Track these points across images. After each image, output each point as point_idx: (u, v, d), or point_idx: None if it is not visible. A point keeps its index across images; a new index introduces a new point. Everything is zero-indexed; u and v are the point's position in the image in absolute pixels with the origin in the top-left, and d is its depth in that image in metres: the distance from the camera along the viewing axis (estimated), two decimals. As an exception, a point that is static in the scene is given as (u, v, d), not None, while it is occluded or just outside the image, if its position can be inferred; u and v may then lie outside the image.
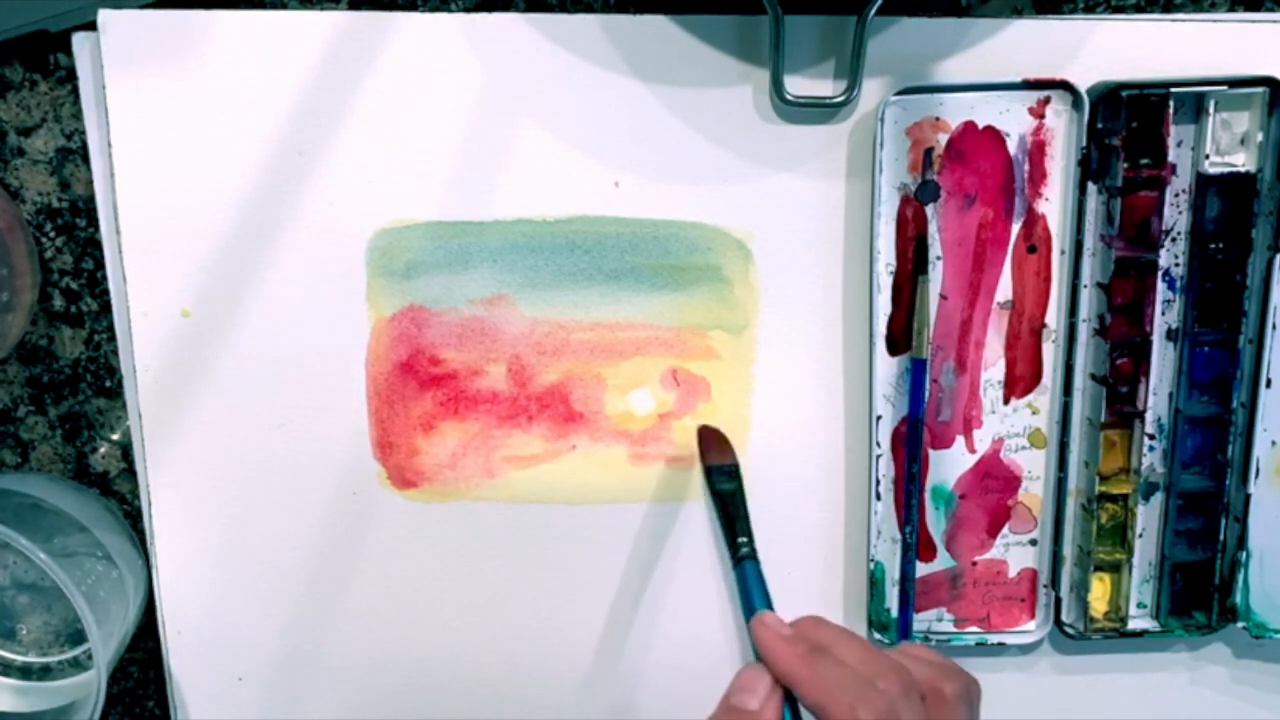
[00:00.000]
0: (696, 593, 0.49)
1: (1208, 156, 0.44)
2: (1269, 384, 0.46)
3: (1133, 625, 0.48)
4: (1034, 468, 0.48)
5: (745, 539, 0.42)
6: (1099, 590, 0.48)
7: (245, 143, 0.44)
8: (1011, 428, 0.47)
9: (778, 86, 0.43)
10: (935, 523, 0.48)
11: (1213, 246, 0.45)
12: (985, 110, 0.44)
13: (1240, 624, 0.48)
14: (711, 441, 0.46)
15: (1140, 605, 0.49)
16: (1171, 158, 0.44)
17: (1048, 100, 0.44)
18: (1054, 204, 0.45)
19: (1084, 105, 0.43)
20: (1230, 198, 0.45)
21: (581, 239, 0.46)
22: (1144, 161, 0.44)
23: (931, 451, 0.47)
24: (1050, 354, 0.47)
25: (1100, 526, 0.47)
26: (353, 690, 0.50)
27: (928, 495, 0.48)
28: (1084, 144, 0.44)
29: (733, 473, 0.45)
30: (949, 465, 0.48)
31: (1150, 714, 0.51)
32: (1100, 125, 0.44)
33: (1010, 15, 0.45)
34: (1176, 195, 0.45)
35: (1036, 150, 0.45)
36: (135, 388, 0.47)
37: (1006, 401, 0.47)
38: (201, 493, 0.48)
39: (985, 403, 0.47)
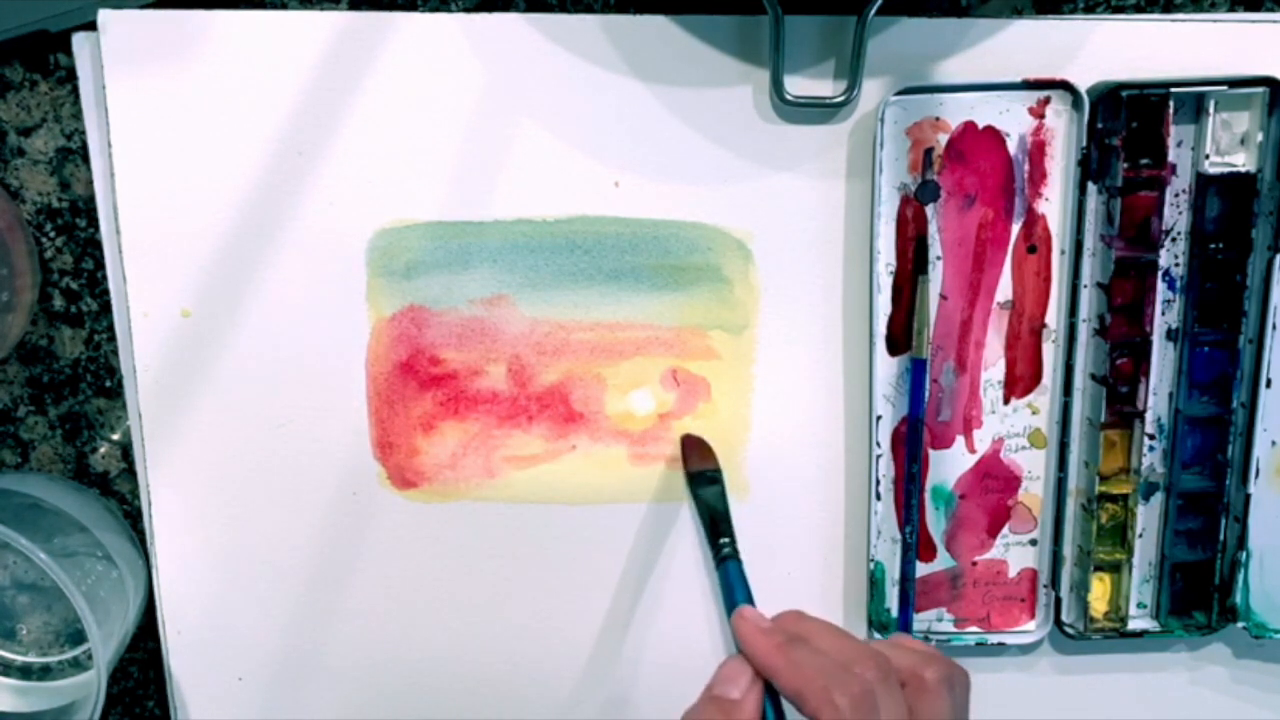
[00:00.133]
0: (696, 592, 0.49)
1: (1208, 156, 0.44)
2: (1269, 384, 0.46)
3: (1133, 625, 0.48)
4: (1034, 468, 0.48)
5: (727, 539, 0.42)
6: (1099, 590, 0.48)
7: (245, 143, 0.44)
8: (1011, 428, 0.47)
9: (778, 86, 0.43)
10: (935, 523, 0.48)
11: (1213, 246, 0.45)
12: (985, 110, 0.44)
13: (1240, 624, 0.48)
14: (693, 447, 0.47)
15: (1140, 605, 0.49)
16: (1171, 158, 0.44)
17: (1048, 100, 0.44)
18: (1054, 204, 0.45)
19: (1084, 105, 0.43)
20: (1230, 198, 0.45)
21: (581, 239, 0.46)
22: (1144, 161, 0.44)
23: (931, 451, 0.47)
24: (1050, 354, 0.47)
25: (1100, 526, 0.47)
26: (353, 690, 0.50)
27: (928, 495, 0.48)
28: (1084, 144, 0.44)
29: (714, 476, 0.45)
30: (949, 465, 0.48)
31: (1150, 714, 0.51)
32: (1100, 125, 0.44)
33: (1010, 15, 0.45)
34: (1176, 195, 0.45)
35: (1036, 150, 0.45)
36: (135, 388, 0.47)
37: (1006, 401, 0.47)
38: (201, 493, 0.48)
39: (985, 403, 0.47)
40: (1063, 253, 0.45)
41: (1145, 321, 0.45)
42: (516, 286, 0.46)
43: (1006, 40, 0.44)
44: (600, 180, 0.45)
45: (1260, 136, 0.44)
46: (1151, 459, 0.47)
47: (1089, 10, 0.45)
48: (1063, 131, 0.44)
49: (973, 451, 0.47)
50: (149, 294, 0.46)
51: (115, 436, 0.49)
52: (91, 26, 0.44)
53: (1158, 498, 0.48)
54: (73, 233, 0.47)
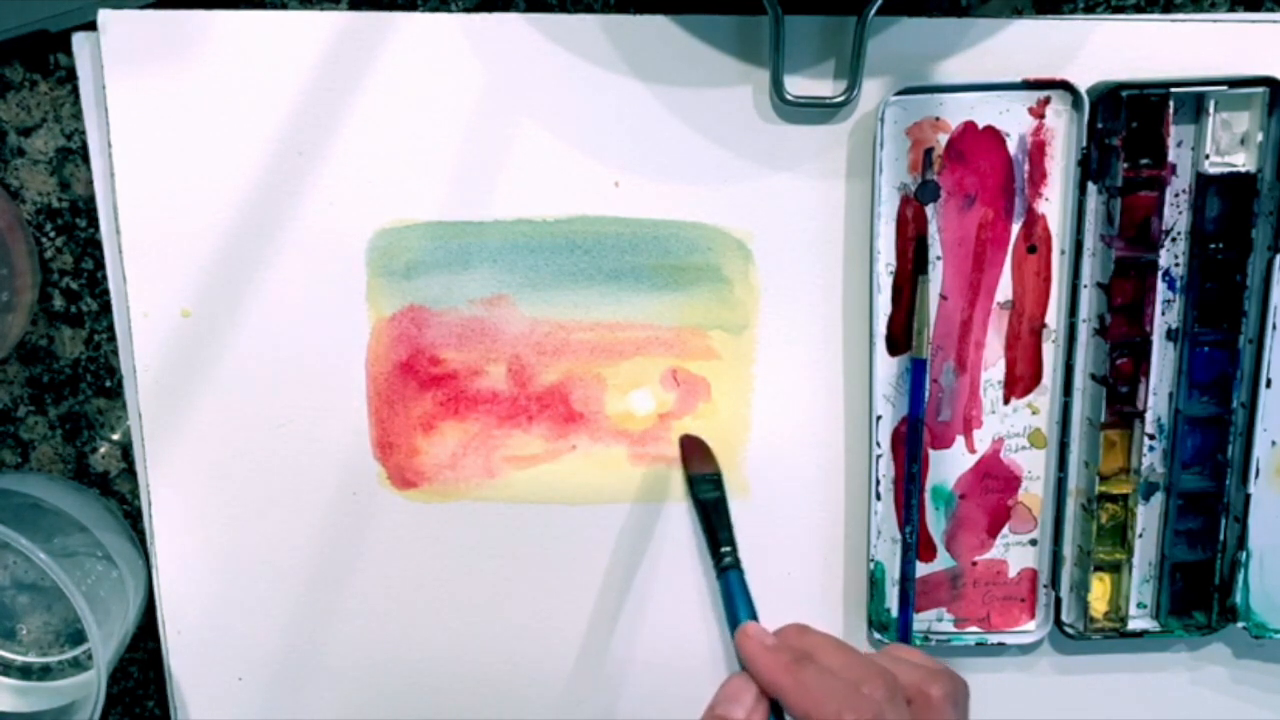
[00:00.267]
0: (695, 592, 0.49)
1: (1208, 156, 0.44)
2: (1269, 384, 0.46)
3: (1133, 625, 0.48)
4: (1034, 468, 0.48)
5: (728, 548, 0.42)
6: (1099, 590, 0.48)
7: (245, 143, 0.44)
8: (1011, 428, 0.47)
9: (778, 86, 0.43)
10: (935, 523, 0.48)
11: (1213, 246, 0.45)
12: (985, 110, 0.44)
13: (1240, 624, 0.48)
14: (693, 450, 0.46)
15: (1140, 605, 0.49)
16: (1171, 158, 0.44)
17: (1048, 100, 0.44)
18: (1054, 204, 0.45)
19: (1084, 105, 0.43)
20: (1230, 198, 0.45)
21: (581, 239, 0.46)
22: (1144, 161, 0.44)
23: (931, 451, 0.47)
24: (1050, 354, 0.47)
25: (1100, 526, 0.47)
26: (353, 690, 0.50)
27: (928, 495, 0.48)
28: (1084, 144, 0.44)
29: (716, 481, 0.45)
30: (949, 465, 0.48)
31: (1150, 714, 0.51)
32: (1100, 125, 0.44)
33: (1010, 15, 0.45)
34: (1176, 195, 0.45)
35: (1036, 150, 0.45)
36: (135, 388, 0.47)
37: (1006, 401, 0.47)
38: (201, 493, 0.48)
39: (985, 403, 0.47)
40: (1063, 253, 0.45)
41: (1145, 321, 0.45)
42: (516, 286, 0.46)
43: (1006, 40, 0.44)
44: (600, 180, 0.45)
45: (1260, 136, 0.44)
46: (1151, 459, 0.47)
47: (1089, 10, 0.45)
48: (1063, 131, 0.44)
49: (973, 451, 0.47)
50: (149, 294, 0.46)
51: (115, 436, 0.49)
52: (91, 26, 0.44)
53: (1158, 498, 0.48)
54: (73, 233, 0.47)
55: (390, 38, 0.44)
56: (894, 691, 0.35)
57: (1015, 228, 0.45)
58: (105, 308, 0.47)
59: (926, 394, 0.46)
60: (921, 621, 0.49)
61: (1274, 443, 0.47)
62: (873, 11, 0.42)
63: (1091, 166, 0.44)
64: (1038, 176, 0.45)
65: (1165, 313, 0.46)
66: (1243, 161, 0.44)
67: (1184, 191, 0.45)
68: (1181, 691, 0.50)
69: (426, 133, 0.45)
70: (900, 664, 0.37)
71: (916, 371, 0.46)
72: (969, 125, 0.44)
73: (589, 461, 0.48)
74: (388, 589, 0.49)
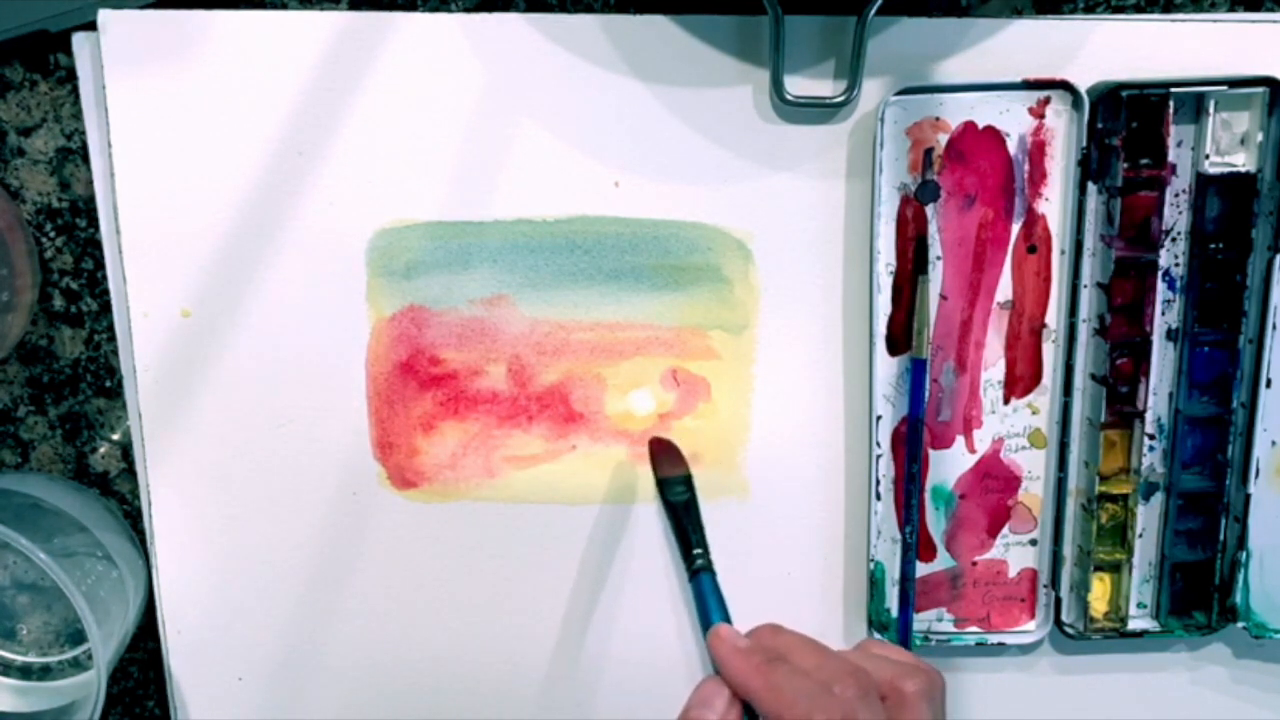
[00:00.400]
0: (696, 593, 0.49)
1: (1208, 156, 0.44)
2: (1269, 384, 0.46)
3: (1133, 625, 0.48)
4: (1034, 468, 0.48)
5: (700, 550, 0.41)
6: (1099, 590, 0.48)
7: (245, 143, 0.44)
8: (1011, 428, 0.47)
9: (778, 86, 0.43)
10: (935, 523, 0.48)
11: (1213, 246, 0.45)
12: (985, 110, 0.44)
13: (1240, 624, 0.48)
14: (662, 452, 0.46)
15: (1140, 605, 0.49)
16: (1171, 158, 0.44)
17: (1048, 100, 0.44)
18: (1054, 204, 0.45)
19: (1084, 105, 0.43)
20: (1230, 198, 0.45)
21: (581, 239, 0.46)
22: (1144, 161, 0.44)
23: (931, 451, 0.47)
24: (1050, 354, 0.47)
25: (1100, 526, 0.47)
26: (353, 690, 0.50)
27: (928, 495, 0.48)
28: (1084, 144, 0.44)
29: (686, 483, 0.44)
30: (949, 465, 0.48)
31: (1150, 714, 0.51)
32: (1100, 125, 0.44)
33: (1010, 15, 0.45)
34: (1176, 195, 0.45)
35: (1036, 150, 0.45)
36: (135, 388, 0.47)
37: (1006, 401, 0.47)
38: (201, 493, 0.48)
39: (985, 403, 0.47)
40: (1063, 253, 0.45)
41: (1145, 321, 0.45)
42: (516, 286, 0.46)
43: (1006, 40, 0.44)
44: (600, 180, 0.45)
45: (1260, 136, 0.44)
46: (1151, 459, 0.47)
47: (1089, 10, 0.45)
48: (1063, 131, 0.44)
49: (973, 451, 0.47)
50: (149, 294, 0.46)
51: (115, 436, 0.49)
52: (91, 26, 0.44)
53: (1158, 498, 0.48)
54: (73, 233, 0.47)
55: (390, 38, 0.44)
56: (866, 690, 0.35)
57: (1015, 228, 0.45)
58: (105, 308, 0.47)
59: (926, 394, 0.46)
60: (921, 621, 0.49)
61: (1274, 443, 0.47)
62: (873, 11, 0.42)
63: (1091, 166, 0.44)
64: (1038, 176, 0.45)
65: (1165, 313, 0.46)
66: (1243, 161, 0.44)
67: (1184, 191, 0.45)
68: (1181, 691, 0.50)
69: (426, 133, 0.45)
70: (875, 660, 0.37)
71: (916, 371, 0.46)
72: (969, 125, 0.44)
73: (589, 461, 0.48)
74: (388, 589, 0.49)
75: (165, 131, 0.44)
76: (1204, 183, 0.44)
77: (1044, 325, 0.46)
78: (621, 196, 0.45)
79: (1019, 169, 0.45)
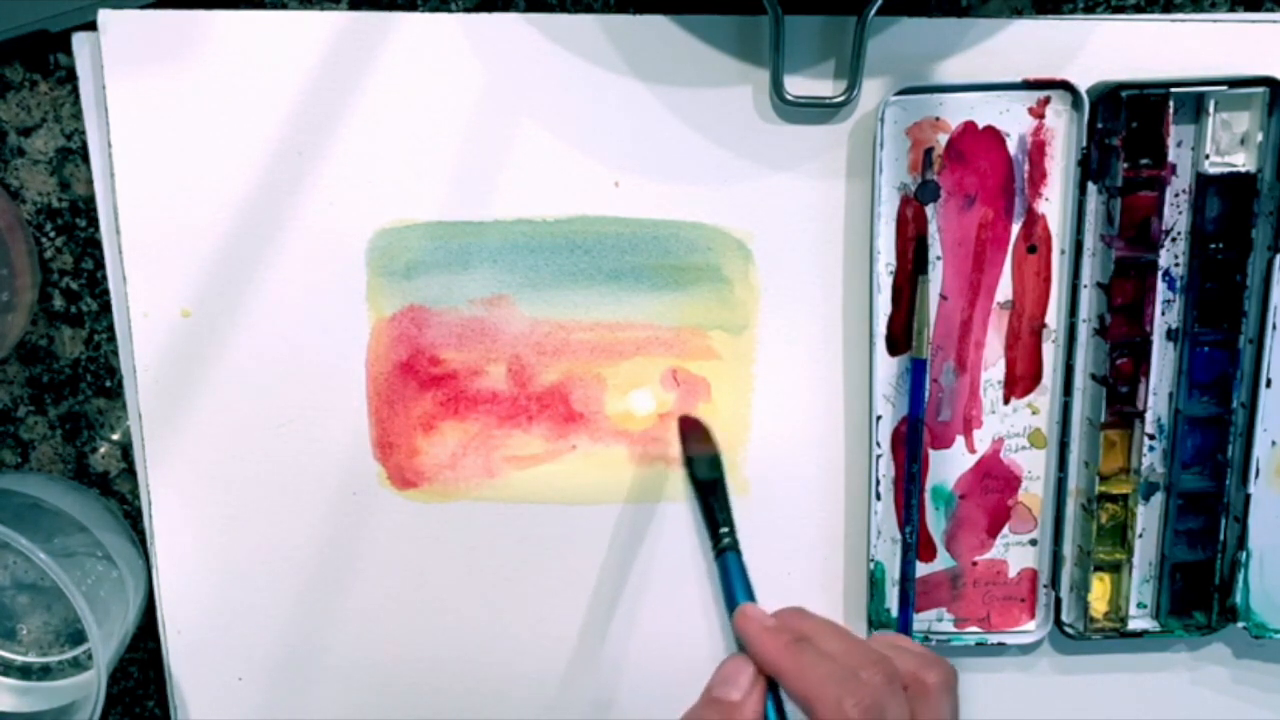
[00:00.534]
0: (697, 591, 0.49)
1: (1208, 156, 0.44)
2: (1269, 384, 0.46)
3: (1133, 625, 0.48)
4: (1034, 468, 0.48)
5: (727, 529, 0.41)
6: (1099, 590, 0.48)
7: (245, 143, 0.44)
8: (1011, 428, 0.47)
9: (778, 86, 0.43)
10: (935, 523, 0.48)
11: (1213, 246, 0.45)
12: (985, 110, 0.44)
13: (1240, 624, 0.48)
14: (692, 430, 0.46)
15: (1140, 605, 0.49)
16: (1171, 158, 0.44)
17: (1048, 100, 0.44)
18: (1054, 204, 0.45)
19: (1084, 105, 0.43)
20: (1230, 198, 0.45)
21: (581, 239, 0.46)
22: (1144, 161, 0.44)
23: (931, 451, 0.47)
24: (1050, 354, 0.47)
25: (1100, 526, 0.47)
26: (353, 690, 0.50)
27: (928, 495, 0.48)
28: (1084, 144, 0.44)
29: (714, 462, 0.44)
30: (949, 465, 0.48)
31: (1150, 714, 0.51)
32: (1100, 125, 0.44)
33: (1010, 15, 0.45)
34: (1176, 195, 0.45)
35: (1036, 150, 0.45)
36: (135, 388, 0.47)
37: (1006, 401, 0.47)
38: (201, 493, 0.48)
39: (985, 403, 0.47)
40: (1063, 253, 0.45)
41: (1145, 321, 0.45)
42: (516, 286, 0.46)
43: (1006, 40, 0.44)
44: (600, 180, 0.45)
45: (1260, 136, 0.44)
46: (1151, 459, 0.47)
47: (1089, 10, 0.45)
48: (1063, 131, 0.44)
49: (973, 451, 0.47)
50: (149, 294, 0.46)
51: (115, 436, 0.49)
52: (91, 26, 0.44)
53: (1158, 498, 0.48)
54: (73, 233, 0.47)
55: (390, 38, 0.44)
56: (892, 678, 0.35)
57: (1015, 228, 0.45)
58: (105, 308, 0.47)
59: (926, 394, 0.46)
60: (921, 621, 0.49)
61: (1274, 443, 0.47)
62: (873, 11, 0.42)
63: (1091, 166, 0.44)
64: (1038, 176, 0.45)
65: (1165, 313, 0.46)
66: (1243, 161, 0.44)
67: (1184, 191, 0.45)
68: (1181, 691, 0.50)
69: (426, 133, 0.45)
70: (896, 651, 0.37)
71: (916, 371, 0.46)
72: (969, 125, 0.44)
73: (589, 461, 0.48)
74: (388, 589, 0.49)
75: (165, 131, 0.44)
76: (1204, 183, 0.44)
77: (1044, 325, 0.46)
78: (621, 196, 0.45)
79: (1019, 169, 0.45)
